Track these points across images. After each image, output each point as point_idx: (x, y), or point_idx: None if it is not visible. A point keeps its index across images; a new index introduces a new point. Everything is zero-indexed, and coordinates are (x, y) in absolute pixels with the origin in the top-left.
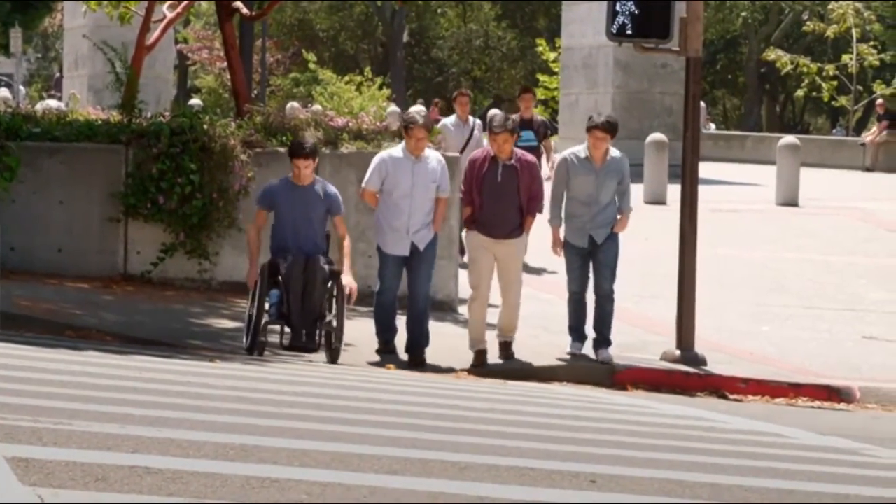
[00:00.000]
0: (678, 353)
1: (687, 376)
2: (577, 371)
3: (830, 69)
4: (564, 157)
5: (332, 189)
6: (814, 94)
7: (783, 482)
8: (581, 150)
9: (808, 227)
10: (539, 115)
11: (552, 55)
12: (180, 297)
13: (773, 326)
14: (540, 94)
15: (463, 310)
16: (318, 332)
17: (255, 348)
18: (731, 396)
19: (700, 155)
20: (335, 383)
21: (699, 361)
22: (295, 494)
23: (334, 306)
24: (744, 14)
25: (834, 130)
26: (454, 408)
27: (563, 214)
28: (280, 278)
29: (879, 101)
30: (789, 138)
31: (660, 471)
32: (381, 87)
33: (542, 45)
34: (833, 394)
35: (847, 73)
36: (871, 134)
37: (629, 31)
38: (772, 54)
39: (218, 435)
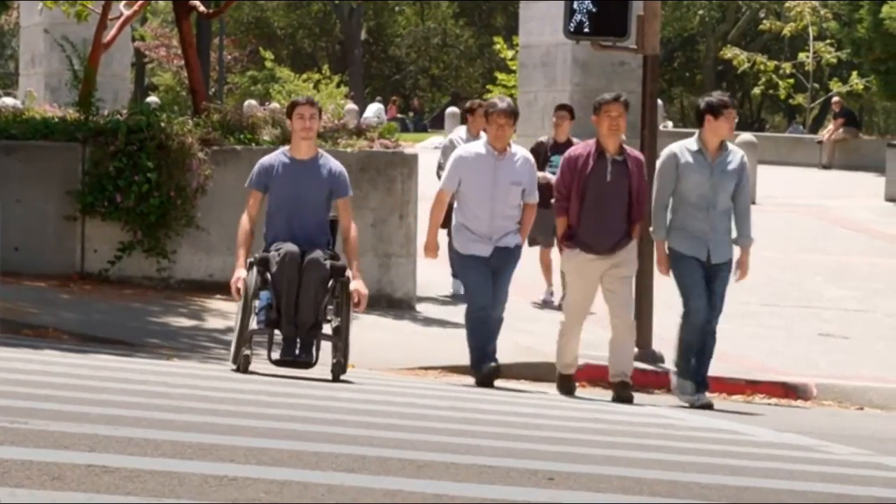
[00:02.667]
0: (635, 350)
1: (644, 374)
2: (534, 369)
3: (787, 67)
4: (673, 152)
5: (338, 166)
6: (770, 91)
7: (740, 479)
8: (692, 141)
9: (764, 225)
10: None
11: (510, 53)
12: (138, 295)
13: (730, 324)
14: (497, 92)
15: (422, 308)
16: (315, 342)
17: (237, 361)
18: None
19: (658, 153)
20: (293, 381)
21: (657, 359)
22: (253, 493)
23: (343, 310)
24: (701, 12)
25: (790, 128)
26: (412, 406)
27: (667, 224)
28: (269, 277)
29: (836, 98)
30: (746, 136)
31: (617, 468)
32: (338, 85)
33: (499, 43)
34: (790, 391)
35: (804, 70)
36: (828, 131)
37: (587, 29)
38: (729, 52)
39: (175, 433)
